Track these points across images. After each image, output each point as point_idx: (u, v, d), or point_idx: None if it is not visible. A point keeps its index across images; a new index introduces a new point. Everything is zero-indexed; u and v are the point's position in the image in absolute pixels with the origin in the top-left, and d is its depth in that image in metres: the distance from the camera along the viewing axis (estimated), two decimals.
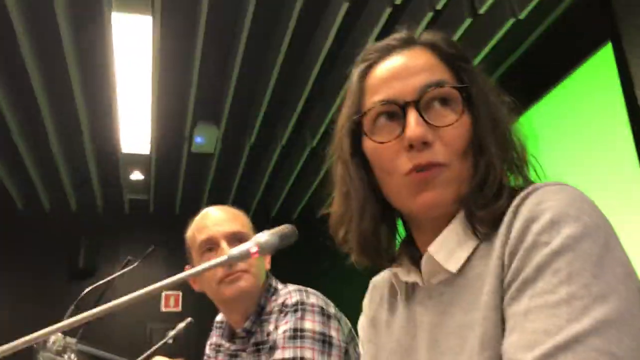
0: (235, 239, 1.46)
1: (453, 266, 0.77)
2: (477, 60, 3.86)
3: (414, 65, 0.80)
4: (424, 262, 0.81)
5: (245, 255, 0.85)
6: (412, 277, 0.84)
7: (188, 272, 0.78)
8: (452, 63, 0.82)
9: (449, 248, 0.78)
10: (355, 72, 0.88)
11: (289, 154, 6.21)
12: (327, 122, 5.07)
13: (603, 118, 3.84)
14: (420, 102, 0.78)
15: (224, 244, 1.45)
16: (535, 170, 0.82)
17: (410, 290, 0.86)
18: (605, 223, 0.68)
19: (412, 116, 0.77)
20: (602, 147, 3.81)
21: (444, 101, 0.79)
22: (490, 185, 0.76)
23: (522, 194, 0.72)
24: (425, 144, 0.76)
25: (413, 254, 0.87)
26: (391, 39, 0.86)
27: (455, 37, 3.82)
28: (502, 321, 0.67)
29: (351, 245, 0.87)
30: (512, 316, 0.65)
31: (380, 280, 0.99)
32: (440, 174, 0.77)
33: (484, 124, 0.78)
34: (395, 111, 0.79)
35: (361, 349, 0.98)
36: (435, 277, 0.80)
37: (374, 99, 0.82)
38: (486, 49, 3.97)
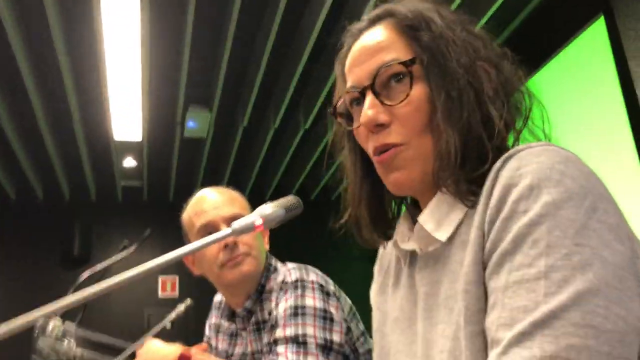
0: None
1: (442, 235, 0.76)
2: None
3: (371, 47, 0.80)
4: (415, 232, 0.81)
5: (250, 228, 0.81)
6: (410, 245, 0.84)
7: (187, 247, 0.74)
8: (409, 33, 0.79)
9: (438, 217, 0.77)
10: (338, 57, 0.89)
11: (282, 136, 6.18)
12: (320, 102, 5.04)
13: (597, 90, 3.84)
14: (375, 85, 0.78)
15: (224, 228, 1.43)
16: (536, 132, 0.81)
17: (413, 257, 0.85)
18: (594, 184, 0.65)
19: (367, 100, 0.78)
20: (596, 120, 3.82)
21: (398, 79, 0.77)
22: (456, 157, 0.73)
23: (503, 157, 0.70)
24: (382, 126, 0.77)
25: (410, 221, 0.86)
26: (363, 19, 0.86)
27: None
28: (485, 294, 0.66)
29: (354, 225, 0.88)
30: (492, 291, 0.64)
31: (389, 247, 0.98)
32: (398, 155, 0.77)
33: (438, 94, 0.75)
34: (359, 97, 0.80)
35: (373, 315, 0.97)
36: (432, 245, 0.80)
37: (346, 86, 0.84)
38: (478, 26, 3.95)
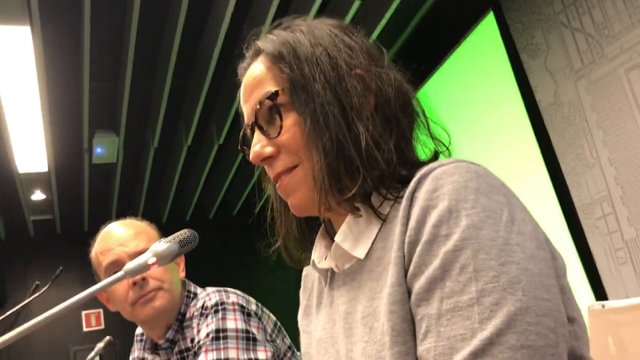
0: None
1: (360, 252, 0.77)
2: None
3: (250, 84, 0.84)
4: (332, 251, 0.81)
5: (144, 268, 0.81)
6: (326, 264, 0.85)
7: (88, 291, 0.72)
8: (277, 65, 0.81)
9: (354, 234, 0.78)
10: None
11: (197, 154, 6.09)
12: (232, 117, 5.00)
13: (494, 83, 4.02)
14: (258, 120, 0.81)
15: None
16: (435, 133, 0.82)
17: (331, 276, 0.86)
18: (507, 196, 0.67)
19: (254, 137, 0.82)
20: (496, 114, 4.00)
21: (272, 111, 0.80)
22: (324, 178, 0.75)
23: (417, 176, 0.70)
24: (271, 158, 0.80)
25: (328, 240, 0.87)
26: (245, 56, 0.89)
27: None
28: (410, 314, 0.67)
29: (283, 249, 0.90)
30: (424, 318, 0.64)
31: (311, 268, 0.99)
32: (289, 181, 0.80)
33: (304, 120, 0.77)
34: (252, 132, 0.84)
35: (301, 339, 0.97)
36: (346, 262, 0.81)
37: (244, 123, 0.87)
38: (375, 32, 4.04)
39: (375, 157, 0.75)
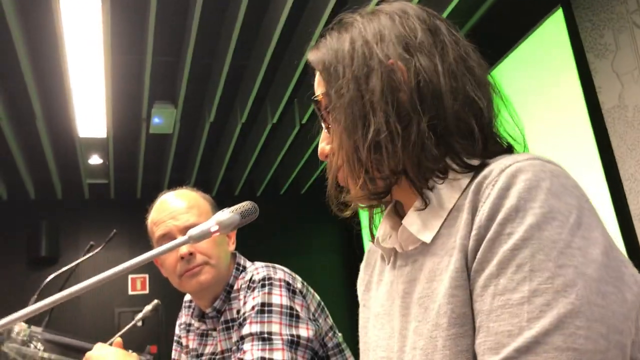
0: None
1: (427, 237, 0.78)
2: None
3: (315, 85, 0.89)
4: (399, 232, 0.83)
5: (206, 235, 0.84)
6: (390, 243, 0.87)
7: (142, 257, 0.76)
8: (322, 72, 0.86)
9: (422, 219, 0.79)
10: None
11: (250, 130, 6.17)
12: (287, 97, 5.04)
13: (556, 81, 3.92)
14: (323, 119, 0.87)
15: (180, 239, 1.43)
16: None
17: (394, 255, 0.88)
18: (579, 199, 0.66)
19: (321, 134, 0.89)
20: (556, 111, 3.90)
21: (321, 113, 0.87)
22: (367, 175, 0.78)
23: (485, 171, 0.71)
24: (329, 155, 0.86)
25: (395, 220, 0.89)
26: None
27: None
28: (470, 300, 0.68)
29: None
30: (478, 314, 0.66)
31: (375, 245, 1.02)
32: (341, 177, 0.85)
33: (338, 123, 0.81)
34: None
35: (360, 311, 1.00)
36: (411, 244, 0.82)
37: None
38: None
39: (421, 155, 0.76)
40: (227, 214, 0.87)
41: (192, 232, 0.83)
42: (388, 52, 0.79)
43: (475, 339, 0.66)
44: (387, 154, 0.76)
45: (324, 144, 0.87)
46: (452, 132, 0.76)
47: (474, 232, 0.68)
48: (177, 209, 1.47)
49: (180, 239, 0.80)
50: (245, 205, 0.90)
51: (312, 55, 0.88)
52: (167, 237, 1.44)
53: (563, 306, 0.59)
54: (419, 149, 0.75)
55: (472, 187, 0.71)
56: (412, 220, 0.80)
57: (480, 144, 0.77)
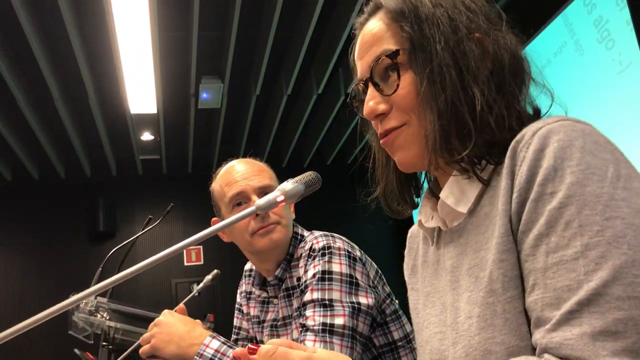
0: (264, 193, 1.47)
1: (463, 207, 0.81)
2: None
3: (367, 40, 0.85)
4: (439, 208, 0.85)
5: (272, 205, 0.86)
6: (433, 223, 0.89)
7: (220, 224, 0.79)
8: (397, 23, 0.82)
9: (457, 191, 0.81)
10: (350, 49, 0.93)
11: (295, 103, 6.20)
12: (331, 67, 5.03)
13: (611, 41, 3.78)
14: (374, 77, 0.83)
15: (254, 198, 1.48)
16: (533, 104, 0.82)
17: (438, 235, 0.90)
18: (613, 153, 0.67)
19: (368, 92, 0.84)
20: (608, 72, 3.77)
21: (391, 69, 0.82)
22: (435, 139, 0.77)
23: (518, 136, 0.72)
24: (382, 115, 0.83)
25: (433, 201, 0.91)
26: (364, 11, 0.90)
27: None
28: (519, 262, 0.70)
29: (382, 199, 0.94)
30: (531, 273, 0.67)
31: (415, 229, 1.04)
32: (397, 137, 0.82)
33: (421, 80, 0.78)
34: (365, 87, 0.86)
35: (409, 295, 1.02)
36: (454, 220, 0.84)
37: (357, 77, 0.89)
38: None
39: (487, 121, 0.76)
40: (291, 184, 0.89)
41: (259, 202, 0.85)
42: (475, 21, 0.80)
43: (527, 297, 0.68)
44: (478, 124, 0.76)
45: (374, 103, 0.82)
46: (513, 107, 0.79)
47: (515, 195, 0.70)
48: (249, 170, 1.53)
49: (249, 209, 0.82)
50: (309, 175, 0.92)
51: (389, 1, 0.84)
52: (242, 195, 1.49)
53: (617, 257, 0.61)
54: (501, 121, 0.77)
55: (508, 152, 0.73)
56: (448, 193, 0.82)
57: (520, 121, 0.79)
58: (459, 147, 0.77)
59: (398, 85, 0.80)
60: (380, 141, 0.85)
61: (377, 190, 0.95)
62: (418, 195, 0.94)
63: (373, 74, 0.83)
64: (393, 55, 0.80)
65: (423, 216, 0.91)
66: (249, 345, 0.70)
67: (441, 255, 0.88)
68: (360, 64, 0.86)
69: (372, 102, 0.83)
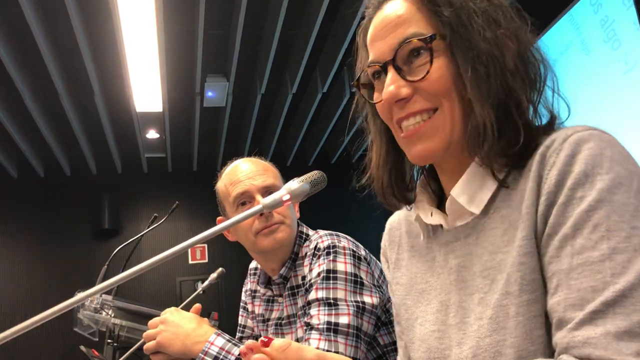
0: (269, 192, 1.47)
1: (476, 208, 0.80)
2: None
3: (392, 20, 0.80)
4: (448, 204, 0.83)
5: (278, 204, 0.85)
6: (435, 220, 0.87)
7: (225, 223, 0.79)
8: (429, 7, 0.79)
9: (471, 190, 0.80)
10: (360, 28, 0.89)
11: (300, 101, 6.20)
12: (336, 66, 5.03)
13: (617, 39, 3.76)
14: (397, 60, 0.79)
15: (259, 197, 1.48)
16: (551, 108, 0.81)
17: (432, 231, 0.89)
18: (635, 166, 0.69)
19: (389, 76, 0.79)
20: (615, 72, 3.76)
21: (419, 53, 0.78)
22: (493, 132, 0.75)
23: (547, 142, 0.73)
24: (403, 100, 0.79)
25: (432, 195, 0.90)
26: None
27: None
28: (540, 266, 0.70)
29: (376, 188, 0.92)
30: (555, 274, 0.67)
31: (396, 221, 1.02)
32: (427, 127, 0.79)
33: (465, 70, 0.76)
34: (381, 70, 0.82)
35: (392, 290, 1.00)
36: (460, 219, 0.83)
37: (368, 59, 0.84)
38: None
39: (527, 120, 0.77)
40: (297, 184, 0.88)
41: (265, 200, 0.85)
42: (497, 18, 0.79)
43: (550, 299, 0.68)
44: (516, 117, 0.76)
45: (396, 87, 0.78)
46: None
47: (543, 198, 0.70)
48: (254, 170, 1.53)
49: (255, 208, 0.82)
50: (315, 174, 0.91)
51: None
52: (246, 194, 1.49)
53: None
54: (535, 121, 0.78)
55: (536, 157, 0.73)
56: (460, 191, 0.81)
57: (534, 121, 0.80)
58: (490, 139, 0.76)
59: (428, 72, 0.77)
60: (402, 134, 0.81)
61: (365, 178, 0.93)
62: (409, 190, 0.92)
63: (396, 57, 0.79)
64: (429, 39, 0.77)
65: (421, 211, 0.89)
66: (261, 338, 0.70)
67: (438, 252, 0.87)
68: (379, 45, 0.81)
69: (393, 86, 0.78)
